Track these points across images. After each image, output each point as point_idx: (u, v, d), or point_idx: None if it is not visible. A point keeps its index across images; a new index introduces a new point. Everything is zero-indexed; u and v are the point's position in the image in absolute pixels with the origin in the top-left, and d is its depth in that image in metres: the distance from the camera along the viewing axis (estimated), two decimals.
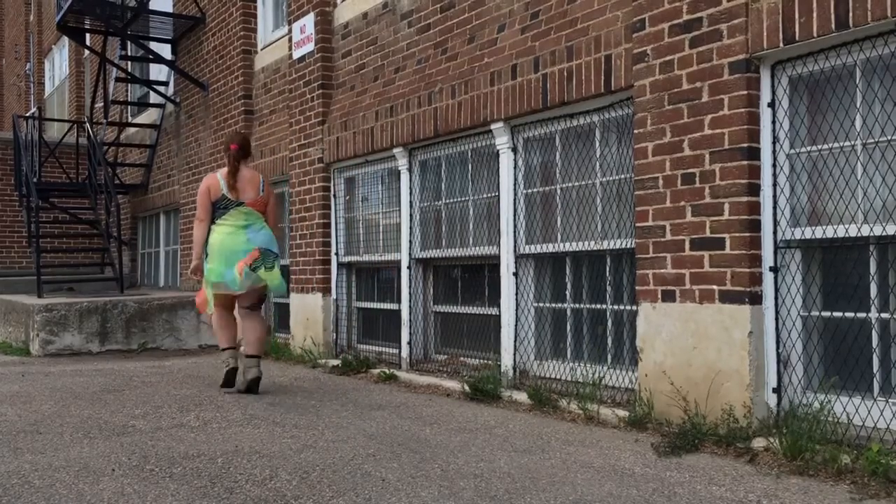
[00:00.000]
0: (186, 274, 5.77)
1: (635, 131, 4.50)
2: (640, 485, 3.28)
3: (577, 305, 5.25)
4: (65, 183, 12.42)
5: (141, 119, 12.48)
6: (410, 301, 6.52)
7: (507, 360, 5.50)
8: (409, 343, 6.50)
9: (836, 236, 3.77)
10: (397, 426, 4.49)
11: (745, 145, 3.92)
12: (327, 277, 7.55)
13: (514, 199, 5.55)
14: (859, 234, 3.69)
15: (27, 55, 21.27)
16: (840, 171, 3.80)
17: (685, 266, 4.20)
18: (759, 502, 3.04)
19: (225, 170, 5.66)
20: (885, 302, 3.66)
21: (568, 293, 5.31)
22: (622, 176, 4.87)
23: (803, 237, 3.89)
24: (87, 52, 15.17)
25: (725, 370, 3.97)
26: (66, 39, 17.40)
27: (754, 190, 3.94)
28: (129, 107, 12.98)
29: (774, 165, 3.96)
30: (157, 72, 11.65)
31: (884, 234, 3.61)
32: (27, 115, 15.19)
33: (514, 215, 5.54)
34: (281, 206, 8.75)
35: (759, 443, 3.71)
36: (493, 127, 5.60)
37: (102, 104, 12.39)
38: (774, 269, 3.94)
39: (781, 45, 3.79)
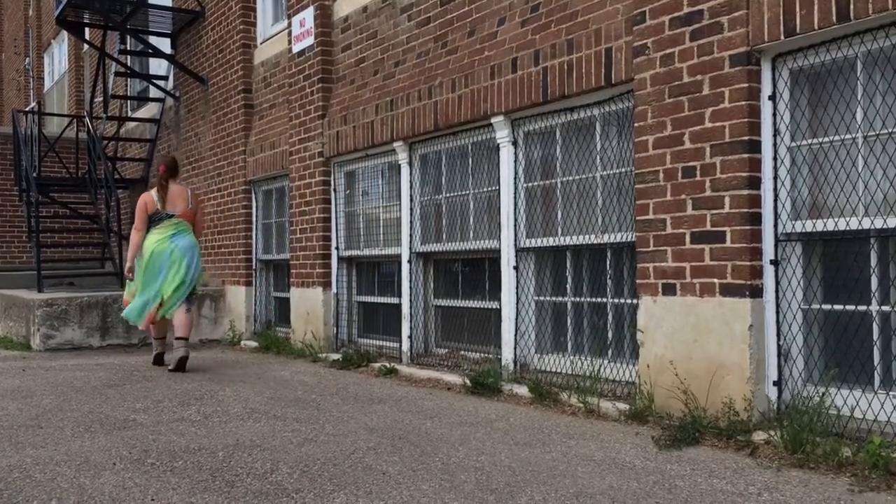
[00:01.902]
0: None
1: (636, 124, 4.49)
2: (641, 478, 3.29)
3: (578, 299, 5.25)
4: (65, 178, 12.41)
5: (141, 113, 12.46)
6: (411, 295, 6.52)
7: (507, 354, 5.51)
8: (410, 337, 6.50)
9: (836, 229, 3.76)
10: (398, 420, 4.49)
11: (746, 138, 3.92)
12: (328, 272, 7.55)
13: (515, 193, 5.54)
14: (860, 227, 3.69)
15: (26, 50, 21.25)
16: (841, 163, 3.80)
17: (686, 259, 4.19)
18: (760, 495, 3.04)
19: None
20: (886, 295, 3.66)
21: (568, 287, 5.30)
22: (623, 169, 4.87)
23: (804, 230, 3.89)
24: (86, 46, 15.15)
25: (726, 363, 3.97)
26: (65, 34, 17.38)
27: (755, 183, 3.94)
28: (128, 101, 12.95)
29: (775, 158, 3.95)
30: (157, 66, 11.62)
31: (885, 226, 3.60)
32: (27, 109, 15.18)
33: (515, 209, 5.54)
34: (282, 201, 8.76)
35: (759, 436, 3.71)
36: (493, 120, 5.59)
37: (102, 99, 12.38)
38: (775, 263, 3.94)
39: (782, 37, 3.79)
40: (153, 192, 6.77)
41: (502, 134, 5.56)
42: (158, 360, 6.89)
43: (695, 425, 3.92)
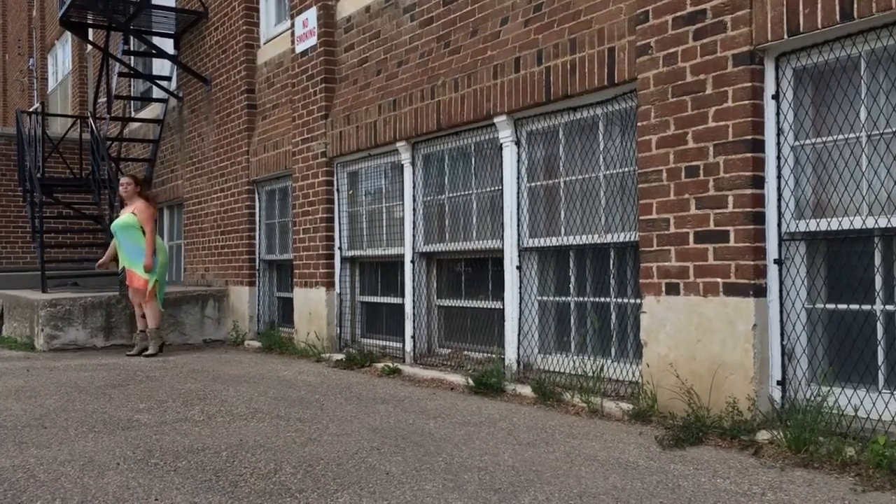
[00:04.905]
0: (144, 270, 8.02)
1: (639, 124, 4.48)
2: (645, 477, 3.28)
3: (581, 299, 5.25)
4: (68, 178, 12.43)
5: (144, 114, 12.48)
6: (414, 295, 6.52)
7: (510, 354, 5.50)
8: (413, 337, 6.50)
9: (840, 228, 3.76)
10: (401, 420, 4.49)
11: (750, 137, 3.91)
12: (330, 272, 7.56)
13: (518, 193, 5.54)
14: (864, 227, 3.68)
15: (30, 50, 21.28)
16: (845, 163, 3.79)
17: (689, 259, 4.19)
18: (764, 494, 3.03)
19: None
20: (890, 294, 3.65)
21: (571, 287, 5.30)
22: (625, 169, 4.86)
23: (808, 229, 3.88)
24: (89, 47, 15.17)
25: (729, 363, 3.96)
26: (68, 35, 17.41)
27: (758, 182, 3.93)
28: (132, 102, 12.97)
29: (779, 157, 3.95)
30: (160, 67, 11.64)
31: (888, 226, 3.60)
32: (30, 110, 15.18)
33: (518, 209, 5.54)
34: (285, 202, 8.77)
35: (763, 435, 3.71)
36: (496, 120, 5.59)
37: (105, 99, 12.38)
38: (779, 262, 3.93)
39: (786, 36, 3.78)
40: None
41: (505, 134, 5.56)
42: (139, 353, 7.84)
43: (698, 425, 3.92)
